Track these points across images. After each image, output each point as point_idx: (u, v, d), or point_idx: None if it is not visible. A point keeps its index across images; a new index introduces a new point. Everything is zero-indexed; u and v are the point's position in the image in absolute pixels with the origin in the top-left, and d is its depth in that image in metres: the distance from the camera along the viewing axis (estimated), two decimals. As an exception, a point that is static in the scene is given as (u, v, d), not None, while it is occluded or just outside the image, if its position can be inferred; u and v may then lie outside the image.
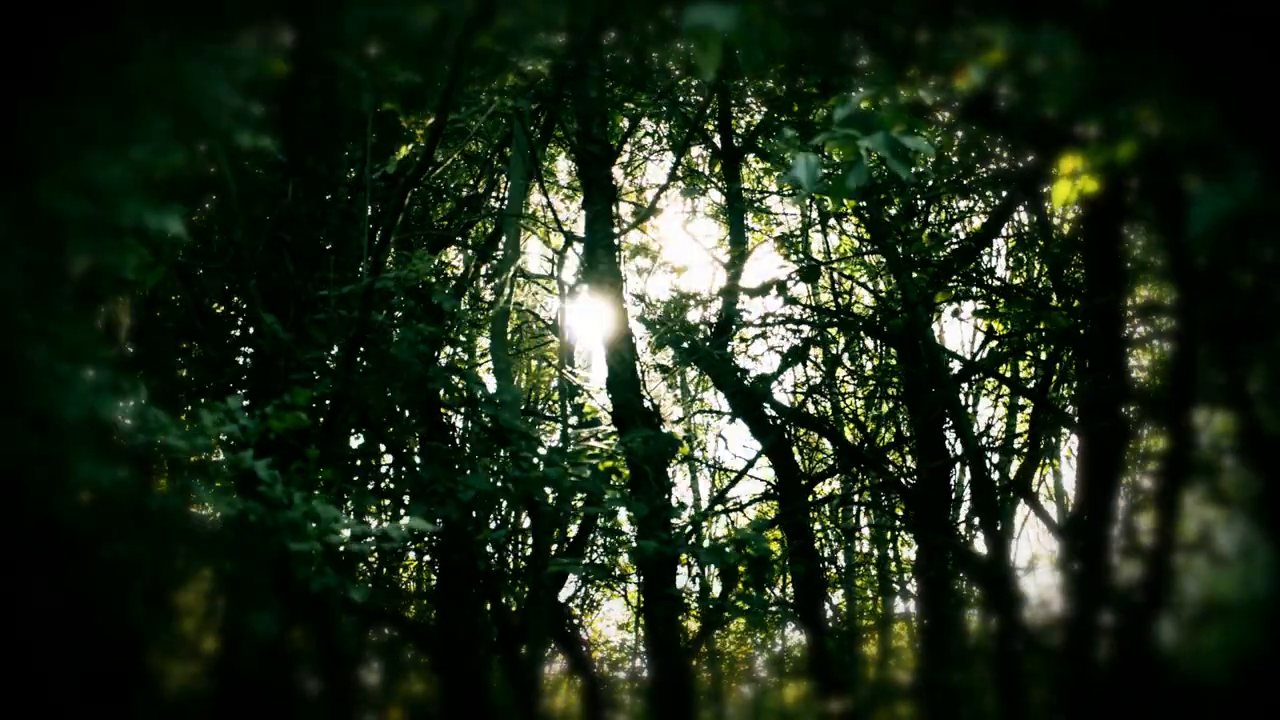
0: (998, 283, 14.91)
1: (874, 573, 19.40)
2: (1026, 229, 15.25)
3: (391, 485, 12.03)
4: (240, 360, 12.17)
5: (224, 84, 6.70)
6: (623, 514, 11.72)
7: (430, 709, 14.49)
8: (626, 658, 20.45)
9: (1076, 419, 14.15)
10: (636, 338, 13.41)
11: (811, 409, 16.60)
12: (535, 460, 10.59)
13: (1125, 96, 6.17)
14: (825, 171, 7.04)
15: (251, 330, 11.83)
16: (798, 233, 16.29)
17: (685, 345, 13.86)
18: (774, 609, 15.64)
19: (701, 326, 14.80)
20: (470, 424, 13.32)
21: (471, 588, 13.61)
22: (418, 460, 11.98)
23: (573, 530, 14.05)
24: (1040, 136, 9.79)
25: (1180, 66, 6.25)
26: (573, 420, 12.38)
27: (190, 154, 6.33)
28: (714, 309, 15.29)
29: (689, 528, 12.10)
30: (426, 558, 15.20)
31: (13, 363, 6.30)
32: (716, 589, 17.72)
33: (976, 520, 13.67)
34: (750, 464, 14.90)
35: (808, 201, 17.15)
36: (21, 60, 6.37)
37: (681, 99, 14.77)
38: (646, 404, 12.94)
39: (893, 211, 13.73)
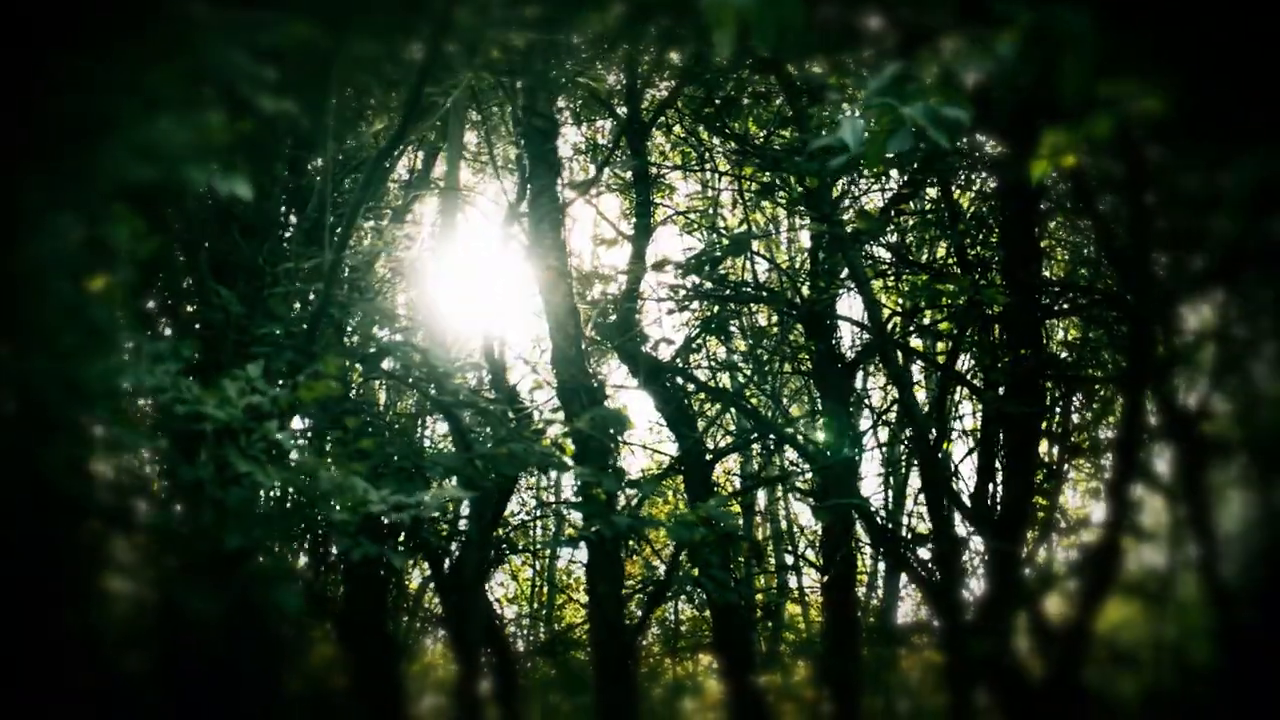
0: (911, 258, 15.15)
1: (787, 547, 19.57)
2: (930, 206, 15.47)
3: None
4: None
5: (241, 49, 6.57)
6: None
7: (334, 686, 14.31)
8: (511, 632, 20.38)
9: (984, 391, 14.42)
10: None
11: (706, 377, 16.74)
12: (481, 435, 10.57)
13: (1142, 72, 6.27)
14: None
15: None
16: (709, 206, 16.43)
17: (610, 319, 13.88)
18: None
19: (610, 301, 14.79)
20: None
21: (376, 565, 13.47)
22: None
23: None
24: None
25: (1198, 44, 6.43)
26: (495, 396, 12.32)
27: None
28: (619, 284, 15.29)
29: (635, 504, 12.12)
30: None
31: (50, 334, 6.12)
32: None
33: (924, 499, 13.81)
34: (680, 460, 14.94)
35: (710, 176, 17.31)
36: (48, 17, 6.17)
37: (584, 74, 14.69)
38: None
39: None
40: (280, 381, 8.03)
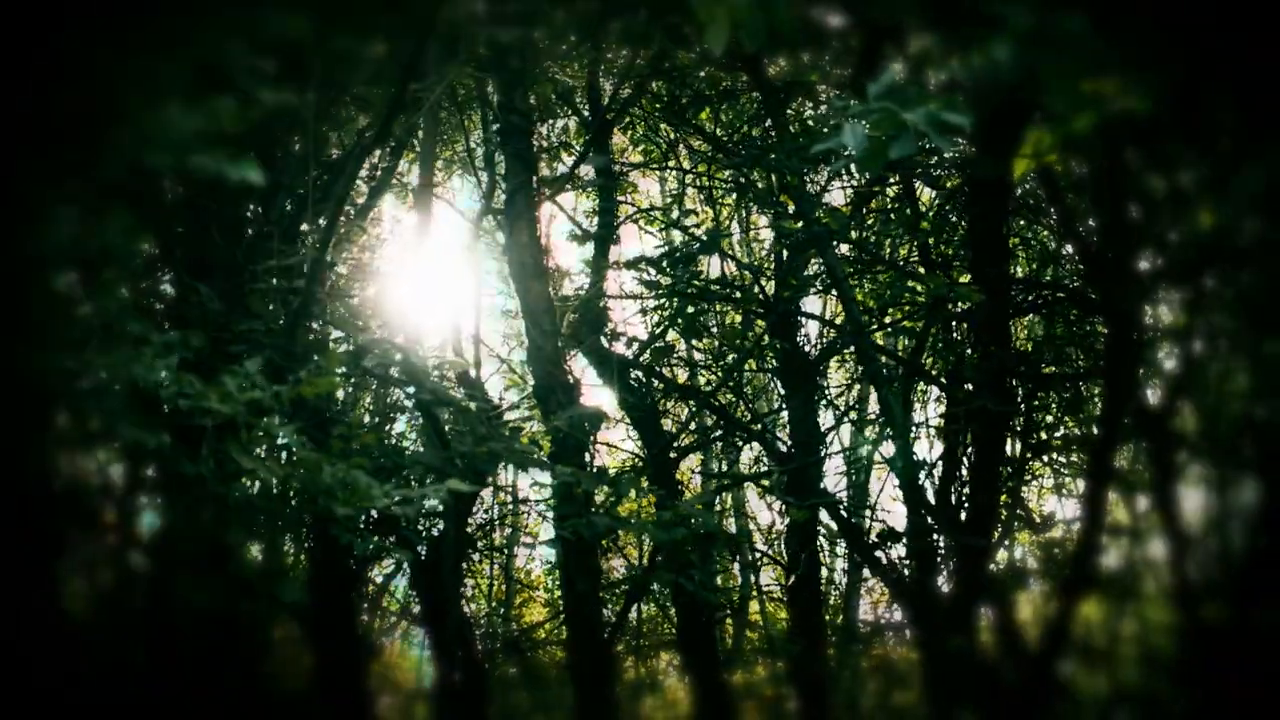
0: (872, 256, 15.22)
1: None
2: (892, 204, 15.54)
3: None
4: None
5: (242, 40, 6.53)
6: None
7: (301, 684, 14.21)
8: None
9: (953, 389, 14.49)
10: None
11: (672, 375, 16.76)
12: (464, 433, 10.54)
13: (1137, 73, 6.28)
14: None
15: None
16: (673, 204, 16.48)
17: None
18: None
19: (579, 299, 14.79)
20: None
21: (342, 561, 13.40)
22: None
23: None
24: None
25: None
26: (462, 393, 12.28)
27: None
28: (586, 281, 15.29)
29: (610, 503, 12.09)
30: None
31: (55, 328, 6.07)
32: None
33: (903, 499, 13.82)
34: (650, 458, 14.90)
35: (676, 173, 17.34)
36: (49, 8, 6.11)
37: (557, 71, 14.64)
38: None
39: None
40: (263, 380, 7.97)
